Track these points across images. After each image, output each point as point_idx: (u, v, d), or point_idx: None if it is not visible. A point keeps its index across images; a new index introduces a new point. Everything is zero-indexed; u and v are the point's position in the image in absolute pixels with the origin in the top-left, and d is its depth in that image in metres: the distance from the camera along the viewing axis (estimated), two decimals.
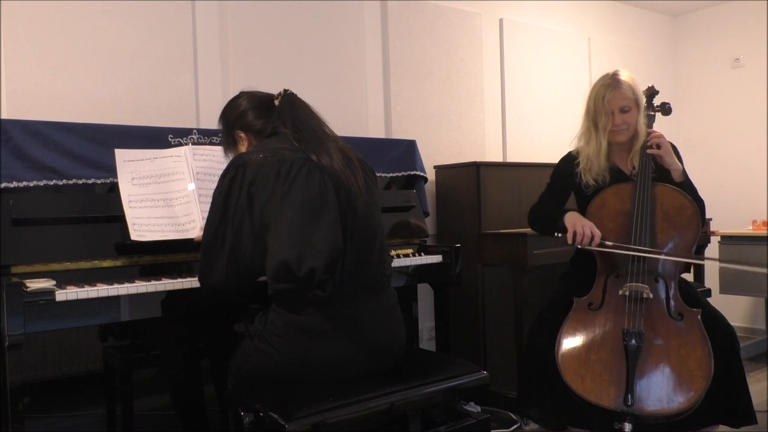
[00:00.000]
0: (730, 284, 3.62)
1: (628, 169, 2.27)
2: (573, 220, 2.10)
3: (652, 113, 2.27)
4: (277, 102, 1.77)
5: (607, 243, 2.05)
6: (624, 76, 2.22)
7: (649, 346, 1.93)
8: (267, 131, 1.76)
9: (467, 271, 2.95)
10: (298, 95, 1.81)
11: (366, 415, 1.56)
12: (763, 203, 4.20)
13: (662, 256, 2.05)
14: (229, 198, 1.60)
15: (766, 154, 4.28)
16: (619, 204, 2.14)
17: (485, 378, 1.81)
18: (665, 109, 2.29)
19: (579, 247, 2.08)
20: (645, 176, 2.12)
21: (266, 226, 1.59)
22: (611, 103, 2.19)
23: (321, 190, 1.61)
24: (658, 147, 2.16)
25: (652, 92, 2.30)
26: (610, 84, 2.20)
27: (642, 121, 2.22)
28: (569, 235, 2.07)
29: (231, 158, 1.79)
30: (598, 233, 2.06)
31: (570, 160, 2.35)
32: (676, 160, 2.20)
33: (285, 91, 1.79)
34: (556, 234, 2.12)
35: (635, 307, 1.97)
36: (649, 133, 2.20)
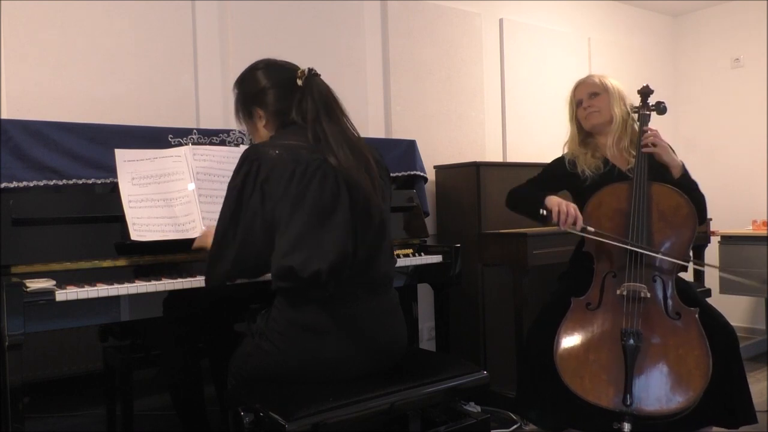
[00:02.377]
0: (729, 284, 3.62)
1: (624, 167, 2.28)
2: (557, 201, 2.12)
3: (647, 113, 2.29)
4: (300, 82, 1.71)
5: (590, 229, 2.06)
6: (593, 74, 2.43)
7: (647, 346, 1.93)
8: (285, 115, 1.71)
9: (467, 271, 2.95)
10: None
11: (366, 415, 1.56)
12: (763, 203, 4.20)
13: (648, 252, 2.04)
14: (242, 194, 1.59)
15: (766, 154, 4.28)
16: (615, 203, 2.15)
17: (485, 378, 1.81)
18: (660, 108, 2.30)
19: (562, 228, 2.09)
20: (641, 175, 2.13)
21: (276, 224, 1.59)
22: (579, 93, 2.39)
23: (334, 193, 1.59)
24: (654, 145, 2.18)
25: (646, 91, 2.31)
26: (578, 81, 2.44)
27: (617, 107, 2.30)
28: (554, 214, 2.08)
29: (241, 125, 1.82)
30: (580, 217, 2.09)
31: (561, 161, 2.42)
32: (675, 157, 2.22)
33: (310, 70, 1.71)
34: (541, 211, 2.11)
35: (633, 307, 1.98)
36: (644, 132, 2.21)
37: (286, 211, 1.57)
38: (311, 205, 1.57)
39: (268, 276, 1.63)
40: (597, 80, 2.36)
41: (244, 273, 1.68)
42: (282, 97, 1.72)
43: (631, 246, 2.03)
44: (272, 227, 1.59)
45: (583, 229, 2.07)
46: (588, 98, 2.35)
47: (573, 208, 2.09)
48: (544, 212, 2.11)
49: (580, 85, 2.41)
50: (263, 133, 1.77)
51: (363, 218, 1.63)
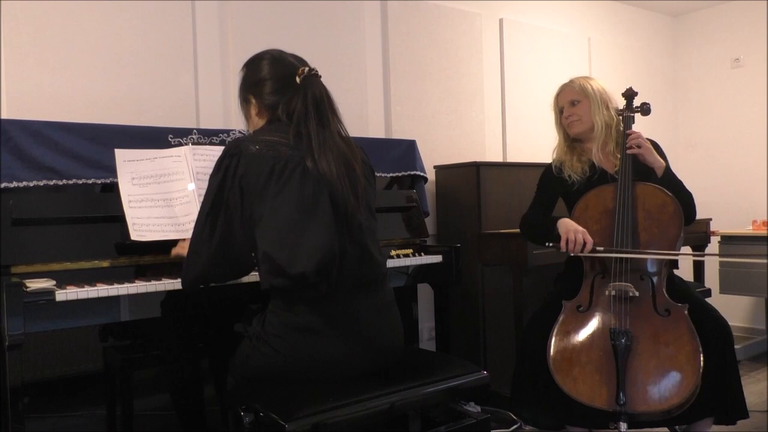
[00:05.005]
0: (730, 284, 3.61)
1: (611, 170, 2.29)
2: (566, 228, 2.12)
3: (631, 114, 2.30)
4: (298, 80, 1.69)
5: (599, 249, 2.07)
6: (576, 77, 2.41)
7: (638, 344, 1.94)
8: (275, 109, 1.71)
9: (467, 271, 2.95)
10: None
11: (366, 415, 1.56)
12: (763, 203, 4.20)
13: (651, 256, 2.05)
14: (222, 188, 1.60)
15: (766, 154, 4.28)
16: (601, 205, 2.16)
17: (485, 378, 1.81)
18: (644, 109, 2.31)
19: (572, 254, 2.10)
20: (625, 177, 2.15)
21: (255, 221, 1.59)
22: (560, 100, 2.40)
23: (315, 192, 1.59)
24: (638, 146, 2.19)
25: (630, 94, 2.33)
26: (560, 87, 2.43)
27: (598, 114, 2.30)
28: (562, 243, 2.09)
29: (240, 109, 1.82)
30: (590, 240, 2.08)
31: (549, 168, 2.44)
32: (658, 158, 2.23)
33: (310, 70, 1.71)
34: (547, 244, 2.14)
35: (621, 306, 1.99)
36: (627, 135, 2.22)
37: (266, 208, 1.57)
38: (292, 201, 1.57)
39: (254, 277, 1.63)
40: (577, 86, 2.35)
41: (222, 269, 1.66)
42: (276, 92, 1.72)
43: (639, 255, 2.02)
44: (251, 223, 1.60)
45: (594, 251, 2.07)
46: (569, 106, 2.36)
47: (582, 233, 2.08)
48: (550, 244, 2.13)
49: (561, 92, 2.41)
50: (256, 121, 1.77)
51: (348, 222, 1.63)
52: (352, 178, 1.66)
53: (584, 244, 2.06)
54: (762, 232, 3.63)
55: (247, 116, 1.81)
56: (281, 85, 1.72)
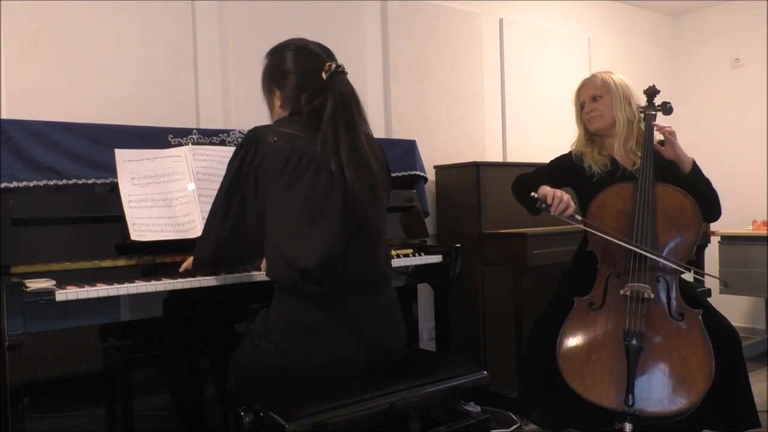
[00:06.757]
0: (730, 284, 3.61)
1: (631, 167, 2.27)
2: (550, 188, 2.08)
3: (653, 113, 2.27)
4: (324, 76, 1.67)
5: (577, 217, 2.04)
6: (599, 72, 2.37)
7: (650, 347, 1.92)
8: (299, 103, 1.70)
9: (467, 271, 2.95)
10: None
11: (366, 415, 1.56)
12: (763, 203, 4.20)
13: (639, 250, 2.02)
14: (239, 174, 1.63)
15: (766, 154, 4.28)
16: (620, 204, 2.13)
17: (485, 378, 1.80)
18: (666, 108, 2.28)
19: (552, 213, 2.04)
20: (646, 176, 2.11)
21: (266, 210, 1.63)
22: (582, 95, 2.37)
23: (327, 189, 1.60)
24: (662, 144, 2.17)
25: (652, 91, 2.29)
26: (582, 81, 2.41)
27: (621, 111, 2.27)
28: (549, 198, 2.02)
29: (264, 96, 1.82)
30: (573, 205, 2.04)
31: (568, 155, 2.39)
32: (684, 152, 2.19)
33: (337, 66, 1.68)
34: (532, 194, 2.05)
35: (636, 307, 1.97)
36: (651, 128, 2.19)
37: (277, 199, 1.60)
38: (303, 195, 1.59)
39: (262, 275, 1.65)
40: (599, 81, 2.31)
41: (231, 254, 1.73)
42: (301, 86, 1.70)
43: (624, 243, 2.01)
44: (262, 211, 1.63)
45: (572, 217, 2.03)
46: (590, 101, 2.32)
47: (567, 197, 2.05)
48: (536, 195, 2.05)
49: (582, 87, 2.38)
50: (278, 112, 1.77)
51: (357, 222, 1.63)
52: (371, 181, 1.66)
53: (567, 206, 2.02)
54: (762, 232, 3.63)
55: (271, 106, 1.81)
56: (306, 80, 1.70)
